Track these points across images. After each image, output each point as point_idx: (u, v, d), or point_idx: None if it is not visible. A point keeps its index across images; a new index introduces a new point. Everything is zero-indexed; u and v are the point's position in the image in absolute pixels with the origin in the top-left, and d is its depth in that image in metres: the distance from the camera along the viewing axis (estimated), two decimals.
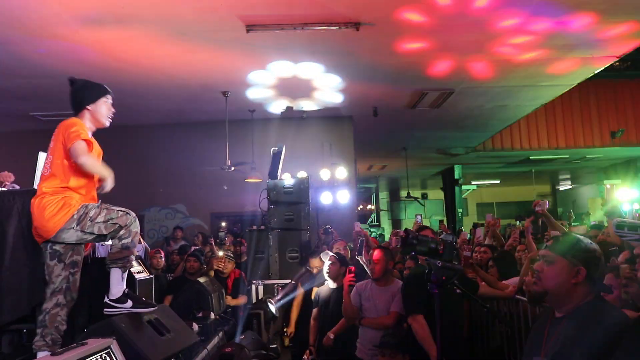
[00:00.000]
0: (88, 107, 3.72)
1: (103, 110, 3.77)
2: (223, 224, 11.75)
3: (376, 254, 5.00)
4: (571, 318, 2.37)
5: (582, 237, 2.47)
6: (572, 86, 9.81)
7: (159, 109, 10.36)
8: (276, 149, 7.64)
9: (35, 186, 3.90)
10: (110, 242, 3.75)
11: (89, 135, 3.62)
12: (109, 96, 3.83)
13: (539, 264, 2.47)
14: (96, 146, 3.71)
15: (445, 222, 19.03)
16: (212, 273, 7.30)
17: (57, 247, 3.54)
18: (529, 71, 8.62)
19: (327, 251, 6.08)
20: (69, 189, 3.56)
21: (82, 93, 3.78)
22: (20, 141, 10.32)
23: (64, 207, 3.49)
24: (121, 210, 3.66)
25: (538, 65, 8.32)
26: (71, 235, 3.52)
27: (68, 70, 7.75)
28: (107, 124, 3.80)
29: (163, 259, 7.62)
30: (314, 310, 5.67)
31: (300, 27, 6.44)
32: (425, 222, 20.31)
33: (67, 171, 3.56)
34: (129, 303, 3.72)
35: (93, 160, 3.56)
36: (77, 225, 3.50)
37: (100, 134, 3.84)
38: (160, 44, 7.04)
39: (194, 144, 11.20)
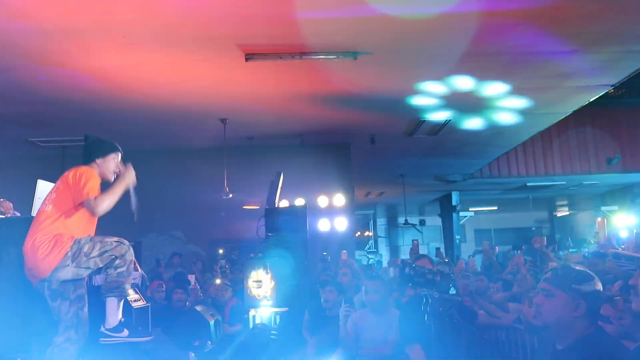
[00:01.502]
0: (97, 160, 3.80)
1: (111, 166, 3.91)
2: (220, 251, 11.72)
3: (374, 283, 5.01)
4: (572, 351, 2.35)
5: (581, 269, 2.45)
6: (568, 114, 9.88)
7: (157, 135, 10.40)
8: (274, 176, 7.66)
9: (33, 214, 3.92)
10: (106, 271, 3.75)
11: (98, 185, 3.70)
12: (118, 153, 3.97)
13: (539, 297, 2.44)
14: None
15: (443, 249, 18.98)
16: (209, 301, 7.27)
17: (54, 286, 3.53)
18: (524, 98, 8.69)
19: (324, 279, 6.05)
20: (65, 227, 3.57)
21: (94, 147, 3.91)
22: (18, 167, 10.33)
23: (57, 246, 3.49)
24: (115, 241, 3.68)
25: (533, 93, 8.40)
26: (67, 273, 3.52)
27: (68, 97, 7.86)
28: (112, 179, 3.91)
29: (164, 292, 7.51)
30: (313, 339, 5.64)
31: (298, 56, 6.50)
32: (423, 248, 20.32)
33: (69, 214, 3.60)
34: (125, 332, 3.71)
35: (106, 201, 3.64)
36: (72, 262, 3.51)
37: None
38: (159, 71, 7.10)
39: (192, 170, 11.21)
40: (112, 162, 3.91)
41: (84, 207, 3.59)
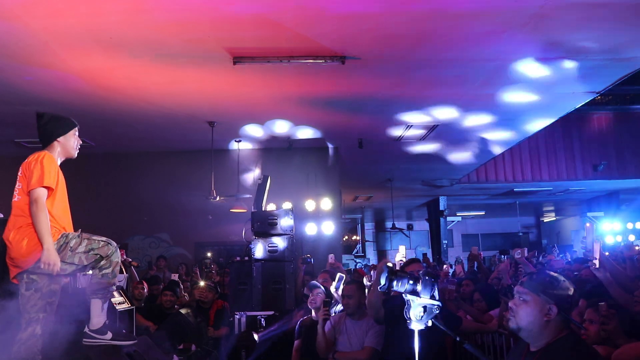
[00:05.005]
0: (59, 139, 3.75)
1: (72, 142, 3.84)
2: (209, 254, 11.68)
3: (350, 288, 5.01)
4: (544, 354, 2.42)
5: (556, 275, 2.53)
6: (554, 120, 9.95)
7: (144, 137, 10.36)
8: (261, 179, 7.65)
9: None
10: (90, 272, 3.72)
11: (53, 175, 3.61)
12: (76, 129, 3.89)
13: (514, 300, 2.52)
14: (60, 177, 3.72)
15: (430, 255, 19.03)
16: (194, 304, 7.24)
17: (33, 276, 3.50)
18: (510, 106, 8.76)
19: (314, 281, 6.05)
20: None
21: (52, 126, 3.80)
22: (4, 167, 10.25)
23: None
24: (102, 240, 3.65)
25: (519, 99, 8.47)
26: None
27: (54, 98, 7.81)
28: (75, 155, 3.86)
29: (145, 290, 7.53)
30: (296, 342, 5.62)
31: (286, 60, 6.51)
32: (410, 253, 20.35)
33: (47, 204, 3.54)
34: (109, 335, 3.69)
35: (43, 217, 3.47)
36: None
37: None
38: (147, 73, 7.08)
39: (179, 172, 11.18)
40: (73, 138, 3.84)
41: (30, 194, 3.49)
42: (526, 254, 5.59)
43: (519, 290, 2.53)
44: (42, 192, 3.49)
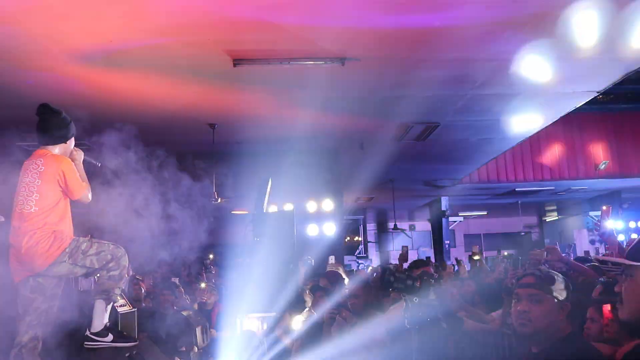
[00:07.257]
0: (71, 140, 3.84)
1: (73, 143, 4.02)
2: (210, 256, 11.69)
3: (356, 289, 5.03)
4: (548, 355, 2.39)
5: (557, 274, 2.52)
6: (555, 119, 9.94)
7: (145, 140, 10.34)
8: (262, 181, 7.66)
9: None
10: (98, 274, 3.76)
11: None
12: None
13: (525, 304, 2.46)
14: None
15: (432, 257, 19.00)
16: (196, 305, 7.25)
17: (41, 279, 3.53)
18: (512, 105, 8.75)
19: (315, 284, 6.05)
20: (55, 224, 3.56)
21: (68, 128, 4.03)
22: (4, 171, 10.27)
23: (56, 242, 3.51)
24: (112, 244, 3.71)
25: (520, 98, 8.46)
26: (62, 269, 3.53)
27: (56, 101, 7.72)
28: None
29: (143, 290, 7.53)
30: (297, 342, 5.63)
31: (286, 62, 6.51)
32: (413, 254, 20.36)
33: (59, 211, 3.58)
34: (110, 337, 3.71)
35: (87, 192, 3.80)
36: (69, 259, 3.52)
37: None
38: (147, 76, 7.09)
39: (180, 175, 11.15)
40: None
41: (81, 201, 3.72)
42: (544, 256, 5.46)
43: (531, 292, 2.48)
44: (86, 194, 3.76)
